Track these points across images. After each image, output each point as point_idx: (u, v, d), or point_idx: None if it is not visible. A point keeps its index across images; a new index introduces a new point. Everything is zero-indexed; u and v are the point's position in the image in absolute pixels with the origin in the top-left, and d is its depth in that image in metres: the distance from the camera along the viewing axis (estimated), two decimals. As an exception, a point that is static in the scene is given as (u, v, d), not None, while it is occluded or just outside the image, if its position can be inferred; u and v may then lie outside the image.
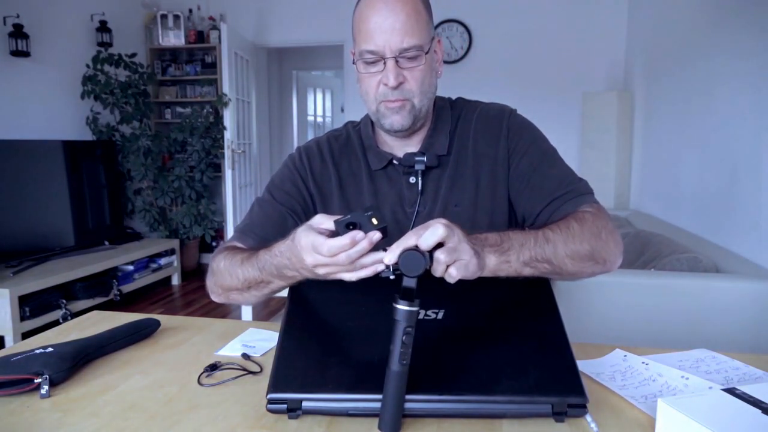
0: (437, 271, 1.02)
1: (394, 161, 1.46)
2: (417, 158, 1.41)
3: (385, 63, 1.31)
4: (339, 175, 1.50)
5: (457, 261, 1.02)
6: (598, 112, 5.19)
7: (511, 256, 1.15)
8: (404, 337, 0.94)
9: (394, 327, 0.95)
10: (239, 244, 1.42)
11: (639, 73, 5.04)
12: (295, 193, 1.48)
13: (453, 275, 1.02)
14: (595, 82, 5.71)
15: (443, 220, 1.03)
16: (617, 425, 1.01)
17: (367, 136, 1.51)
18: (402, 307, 0.94)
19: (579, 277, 1.26)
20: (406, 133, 1.41)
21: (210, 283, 1.40)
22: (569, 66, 5.79)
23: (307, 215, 1.47)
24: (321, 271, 1.06)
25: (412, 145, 1.46)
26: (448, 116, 1.49)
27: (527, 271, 1.18)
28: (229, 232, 6.01)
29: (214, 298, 1.40)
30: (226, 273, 1.31)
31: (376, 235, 1.00)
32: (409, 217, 1.43)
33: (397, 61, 1.31)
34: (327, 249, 1.01)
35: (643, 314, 2.44)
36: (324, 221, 1.06)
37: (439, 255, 1.00)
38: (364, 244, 1.00)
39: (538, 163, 1.40)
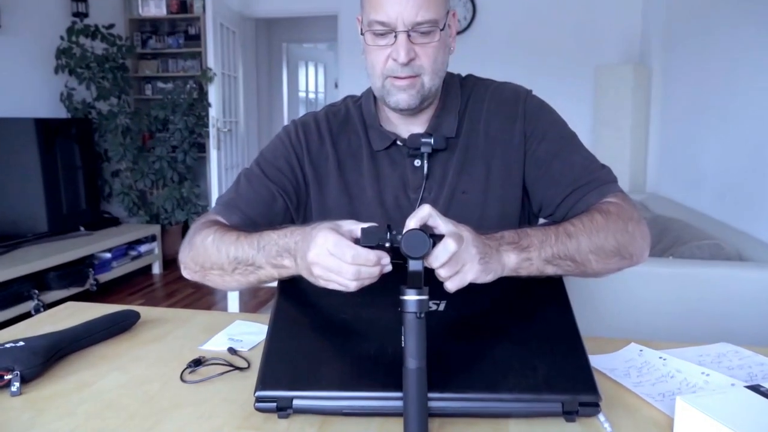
0: (438, 276, 1.03)
1: (398, 142, 1.45)
2: (423, 140, 1.39)
3: (396, 36, 1.29)
4: (337, 154, 1.48)
5: (458, 273, 1.03)
6: (612, 88, 5.18)
7: (532, 254, 1.15)
8: (418, 329, 0.93)
9: (404, 320, 0.94)
10: (222, 219, 1.40)
11: (657, 45, 5.02)
12: (288, 172, 1.46)
13: (449, 288, 1.04)
14: (609, 54, 5.68)
15: (453, 231, 1.03)
16: (632, 425, 1.01)
17: (369, 113, 1.49)
18: (411, 297, 0.93)
19: (603, 275, 1.26)
20: (413, 112, 1.40)
21: (185, 257, 1.36)
22: (580, 37, 5.76)
23: (299, 197, 1.47)
24: (316, 271, 1.05)
25: (418, 125, 1.45)
26: (458, 95, 1.48)
27: (550, 270, 1.18)
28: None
29: (187, 274, 1.37)
30: (213, 248, 1.27)
31: (387, 266, 1.02)
32: (412, 203, 1.42)
33: (409, 36, 1.28)
34: (352, 256, 1.00)
35: (661, 306, 2.45)
36: (353, 226, 1.06)
37: (439, 271, 1.02)
38: (376, 271, 1.01)
39: (558, 149, 1.40)
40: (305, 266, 1.08)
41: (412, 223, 1.01)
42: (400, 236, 0.97)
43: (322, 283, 1.06)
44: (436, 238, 1.00)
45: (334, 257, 1.01)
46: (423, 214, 1.02)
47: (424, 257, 0.96)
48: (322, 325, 1.15)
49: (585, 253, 1.19)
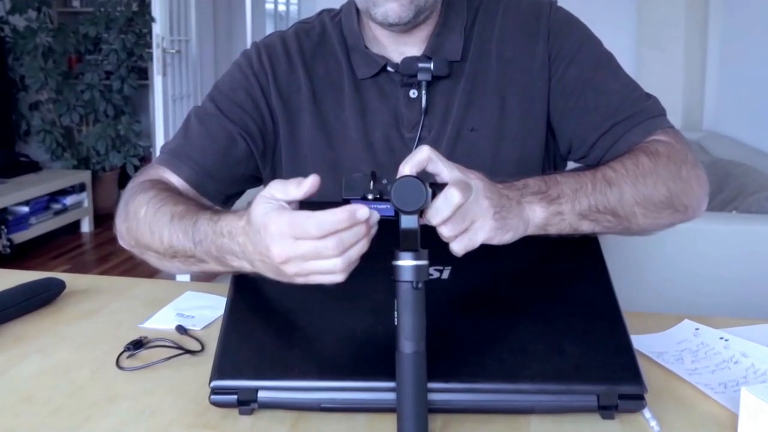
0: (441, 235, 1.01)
1: (389, 67, 1.44)
2: (421, 65, 1.39)
3: None
4: (312, 84, 1.48)
5: (466, 231, 1.01)
6: (660, 1, 5.16)
7: (564, 206, 1.14)
8: (414, 303, 0.92)
9: (397, 292, 0.92)
10: (168, 174, 1.40)
11: (718, -55, 5.00)
12: (250, 107, 1.46)
13: (456, 252, 1.01)
14: (658, -43, 5.65)
15: (459, 179, 0.99)
16: (686, 422, 1.02)
17: (351, 31, 1.48)
18: (405, 262, 0.91)
19: (651, 232, 1.26)
20: (406, 27, 1.38)
21: (120, 225, 1.36)
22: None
23: (265, 139, 1.46)
24: (291, 270, 0.97)
25: (414, 46, 1.44)
26: (464, 7, 1.47)
27: (585, 226, 1.17)
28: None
29: (124, 245, 1.38)
30: (146, 227, 1.25)
31: (375, 214, 0.95)
32: (407, 144, 1.42)
33: None
34: (316, 224, 0.91)
35: (722, 272, 2.46)
36: (281, 189, 0.97)
37: (442, 229, 0.99)
38: (361, 231, 0.93)
39: (591, 74, 1.39)
40: (270, 268, 1.02)
41: (406, 169, 0.98)
42: (390, 185, 0.94)
43: (301, 281, 1.00)
44: (437, 188, 0.98)
45: (303, 240, 0.94)
46: (421, 158, 0.99)
47: (420, 211, 0.95)
48: (295, 297, 1.14)
49: (629, 205, 1.19)
